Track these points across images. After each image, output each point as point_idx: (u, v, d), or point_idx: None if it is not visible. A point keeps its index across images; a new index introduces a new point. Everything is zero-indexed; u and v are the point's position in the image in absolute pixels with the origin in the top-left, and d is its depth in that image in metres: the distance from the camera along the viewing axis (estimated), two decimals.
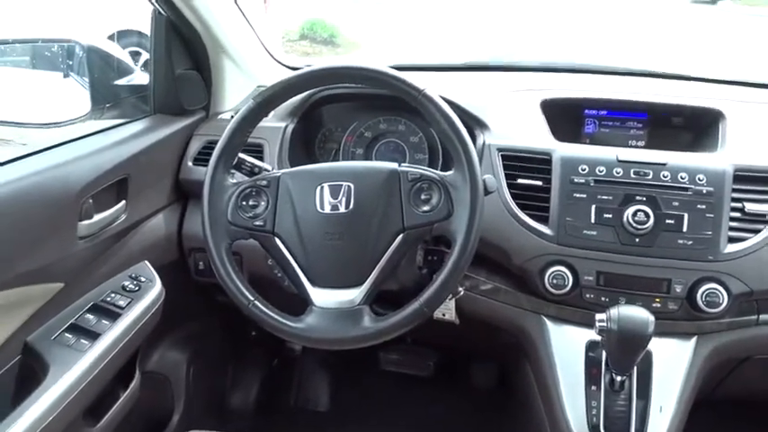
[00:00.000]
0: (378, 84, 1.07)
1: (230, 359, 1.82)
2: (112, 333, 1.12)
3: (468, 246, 1.00)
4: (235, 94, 1.54)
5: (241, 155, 1.16)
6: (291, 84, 1.10)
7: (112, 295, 1.20)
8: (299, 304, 1.06)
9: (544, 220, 1.18)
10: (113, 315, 1.16)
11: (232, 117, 1.14)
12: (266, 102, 1.10)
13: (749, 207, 1.14)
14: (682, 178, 1.15)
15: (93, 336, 1.11)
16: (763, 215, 1.13)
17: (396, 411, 1.86)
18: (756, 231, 1.13)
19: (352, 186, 1.05)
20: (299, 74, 1.09)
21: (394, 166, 1.07)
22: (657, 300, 1.12)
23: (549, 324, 1.19)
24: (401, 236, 1.03)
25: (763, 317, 1.15)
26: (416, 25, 8.77)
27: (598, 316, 1.03)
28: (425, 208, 1.03)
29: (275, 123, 1.39)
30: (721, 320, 1.13)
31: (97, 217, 1.17)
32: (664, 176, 1.15)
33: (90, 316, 1.15)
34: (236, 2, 1.45)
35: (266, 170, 1.18)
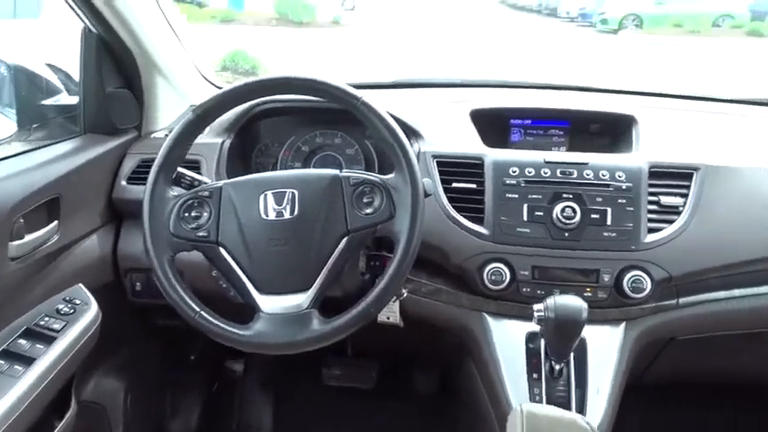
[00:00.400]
0: (317, 93, 1.09)
1: (168, 385, 1.77)
2: (48, 357, 1.08)
3: (412, 244, 1.03)
4: (167, 114, 1.53)
5: (180, 169, 1.16)
6: (231, 95, 1.11)
7: (46, 319, 1.15)
8: (245, 317, 1.06)
9: (480, 221, 1.24)
10: (48, 339, 1.11)
11: (166, 135, 1.14)
12: (205, 114, 1.11)
13: (664, 200, 1.23)
14: (603, 176, 1.23)
15: (28, 361, 1.06)
16: (676, 207, 1.23)
17: (340, 425, 1.86)
18: (671, 222, 1.22)
19: (296, 193, 1.07)
20: (238, 85, 1.11)
21: (336, 171, 1.10)
22: (588, 289, 1.20)
23: (490, 320, 1.24)
24: (346, 239, 1.05)
25: (682, 300, 1.24)
26: (338, 56, 8.90)
27: (536, 306, 1.09)
28: (368, 211, 1.06)
29: (212, 139, 1.39)
30: (645, 306, 1.22)
31: (28, 237, 1.13)
32: (587, 175, 1.23)
33: (23, 341, 1.09)
34: (168, 21, 1.45)
35: (206, 183, 1.18)
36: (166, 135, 1.15)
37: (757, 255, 1.22)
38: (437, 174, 1.28)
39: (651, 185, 1.23)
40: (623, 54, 10.31)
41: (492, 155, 1.28)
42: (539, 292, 1.20)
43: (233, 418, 1.88)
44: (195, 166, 1.34)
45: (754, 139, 1.41)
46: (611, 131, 1.44)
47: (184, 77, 1.57)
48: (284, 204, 1.07)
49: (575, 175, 1.24)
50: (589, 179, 1.23)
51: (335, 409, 1.90)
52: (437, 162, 1.29)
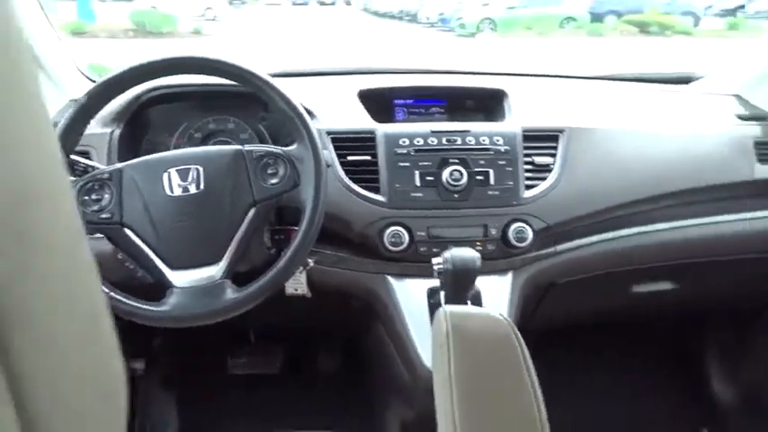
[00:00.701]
0: (214, 72, 1.12)
1: None
2: None
3: (318, 210, 1.09)
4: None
5: (73, 156, 1.14)
6: (125, 76, 1.11)
7: None
8: (157, 296, 1.07)
9: (376, 190, 1.32)
10: None
11: (55, 124, 1.11)
12: (97, 97, 1.10)
13: (537, 160, 1.38)
14: (484, 141, 1.36)
15: None
16: (547, 165, 1.38)
17: (245, 412, 1.87)
18: (544, 179, 1.37)
19: (200, 169, 1.09)
20: (133, 66, 1.10)
21: (238, 147, 1.13)
22: (479, 243, 1.31)
23: (393, 281, 1.32)
24: (253, 209, 1.10)
25: (559, 247, 1.39)
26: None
27: (435, 260, 1.18)
28: (273, 181, 1.11)
29: (101, 130, 1.36)
30: (528, 255, 1.35)
31: None
32: (469, 141, 1.35)
33: None
34: (44, 12, 1.40)
35: (100, 169, 1.17)
36: (56, 123, 1.12)
37: (616, 202, 1.39)
38: (332, 149, 1.34)
39: (525, 148, 1.37)
40: (482, 55, 10.96)
41: (382, 128, 1.37)
42: (435, 249, 1.29)
43: (135, 421, 1.82)
44: (86, 157, 1.31)
45: (607, 107, 1.61)
46: (485, 106, 1.58)
47: (63, 72, 1.51)
48: (189, 180, 1.09)
49: (459, 141, 1.35)
50: (472, 145, 1.35)
51: (241, 397, 1.90)
52: (332, 138, 1.36)
